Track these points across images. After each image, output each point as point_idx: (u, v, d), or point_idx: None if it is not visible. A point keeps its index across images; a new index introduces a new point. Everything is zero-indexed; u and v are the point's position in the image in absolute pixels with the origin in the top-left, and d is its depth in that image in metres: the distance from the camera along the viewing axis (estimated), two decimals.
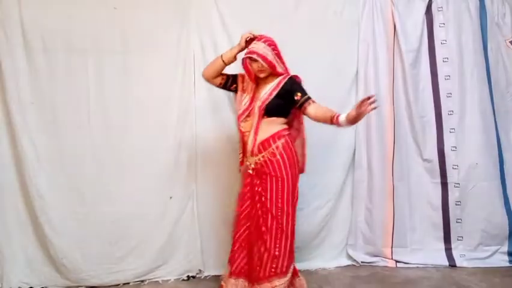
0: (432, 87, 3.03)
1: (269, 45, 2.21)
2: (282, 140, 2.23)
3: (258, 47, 2.18)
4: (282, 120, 2.28)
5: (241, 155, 2.39)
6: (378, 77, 2.99)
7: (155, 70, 2.74)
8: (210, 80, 2.35)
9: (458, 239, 3.03)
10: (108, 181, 2.72)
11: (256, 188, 2.25)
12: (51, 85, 2.64)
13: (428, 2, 3.03)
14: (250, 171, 2.28)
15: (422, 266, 2.97)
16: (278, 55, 2.25)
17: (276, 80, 2.25)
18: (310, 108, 2.17)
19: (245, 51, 2.23)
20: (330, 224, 3.03)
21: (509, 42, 3.11)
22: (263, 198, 2.21)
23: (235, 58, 2.29)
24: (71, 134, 2.67)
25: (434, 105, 3.03)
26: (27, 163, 2.60)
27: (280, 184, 2.21)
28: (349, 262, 3.04)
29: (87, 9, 2.67)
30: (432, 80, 3.04)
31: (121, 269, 2.74)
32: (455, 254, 3.01)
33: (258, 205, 2.23)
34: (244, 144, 2.32)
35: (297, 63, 2.85)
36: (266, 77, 2.26)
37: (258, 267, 2.22)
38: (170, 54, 2.74)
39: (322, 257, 3.02)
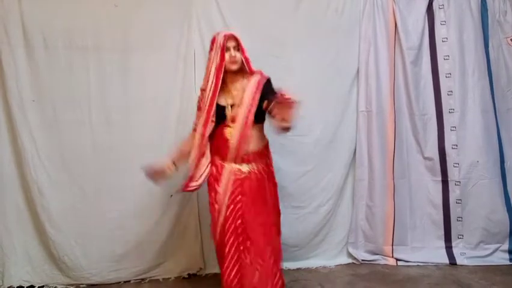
0: (433, 85, 3.02)
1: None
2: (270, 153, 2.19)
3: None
4: (262, 126, 2.13)
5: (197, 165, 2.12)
6: (379, 75, 2.98)
7: (156, 68, 2.73)
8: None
9: (458, 237, 3.03)
10: (109, 179, 2.72)
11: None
12: (52, 83, 2.65)
13: None
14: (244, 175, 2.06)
15: (422, 264, 2.96)
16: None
17: (253, 81, 2.02)
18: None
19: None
20: (331, 222, 3.03)
21: (511, 40, 3.10)
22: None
23: (174, 165, 2.16)
24: (71, 132, 2.68)
25: (435, 103, 3.02)
26: (27, 160, 2.62)
27: (274, 190, 2.17)
28: (349, 260, 3.03)
29: (88, 6, 2.67)
30: (433, 78, 3.03)
31: (122, 267, 2.75)
32: (456, 252, 3.00)
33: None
34: (225, 149, 2.06)
35: (297, 62, 2.90)
36: (236, 76, 2.07)
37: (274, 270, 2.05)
38: (171, 53, 2.74)
39: (322, 255, 3.02)
